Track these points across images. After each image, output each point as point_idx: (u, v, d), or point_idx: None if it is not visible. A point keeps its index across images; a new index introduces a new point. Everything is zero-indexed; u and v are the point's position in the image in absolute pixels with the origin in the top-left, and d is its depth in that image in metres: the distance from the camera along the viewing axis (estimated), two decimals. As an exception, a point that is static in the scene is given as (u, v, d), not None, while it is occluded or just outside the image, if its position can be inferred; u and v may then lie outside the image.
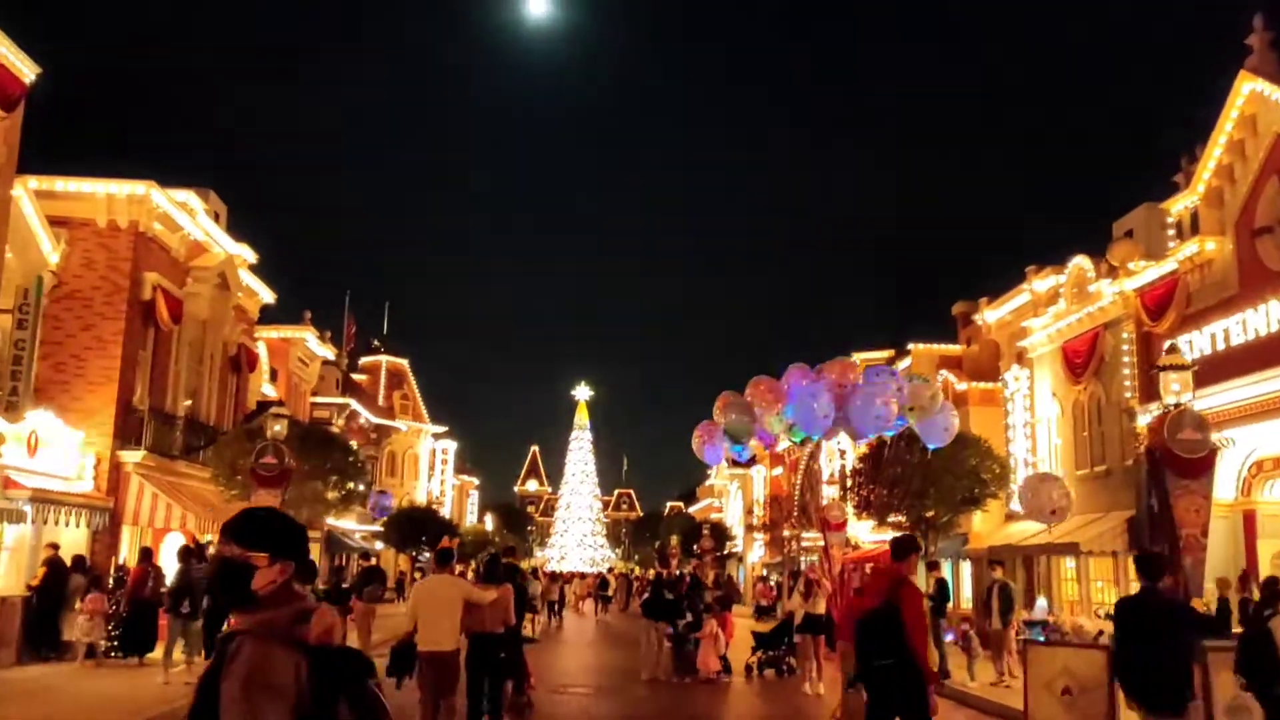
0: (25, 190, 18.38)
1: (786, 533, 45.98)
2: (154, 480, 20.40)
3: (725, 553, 64.45)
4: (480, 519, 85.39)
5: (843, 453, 40.29)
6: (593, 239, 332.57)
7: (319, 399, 38.42)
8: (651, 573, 58.70)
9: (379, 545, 45.47)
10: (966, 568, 29.89)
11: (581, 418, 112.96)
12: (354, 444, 40.63)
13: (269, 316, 33.87)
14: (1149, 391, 20.69)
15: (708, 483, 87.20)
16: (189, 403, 23.13)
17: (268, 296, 28.20)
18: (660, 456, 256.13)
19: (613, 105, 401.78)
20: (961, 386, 30.98)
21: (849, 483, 24.24)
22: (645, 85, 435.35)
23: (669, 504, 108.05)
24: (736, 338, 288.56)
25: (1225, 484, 18.26)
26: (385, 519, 42.29)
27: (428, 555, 46.95)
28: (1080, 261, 23.87)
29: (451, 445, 60.06)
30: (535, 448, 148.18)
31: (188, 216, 22.45)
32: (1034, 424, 26.09)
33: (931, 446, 14.80)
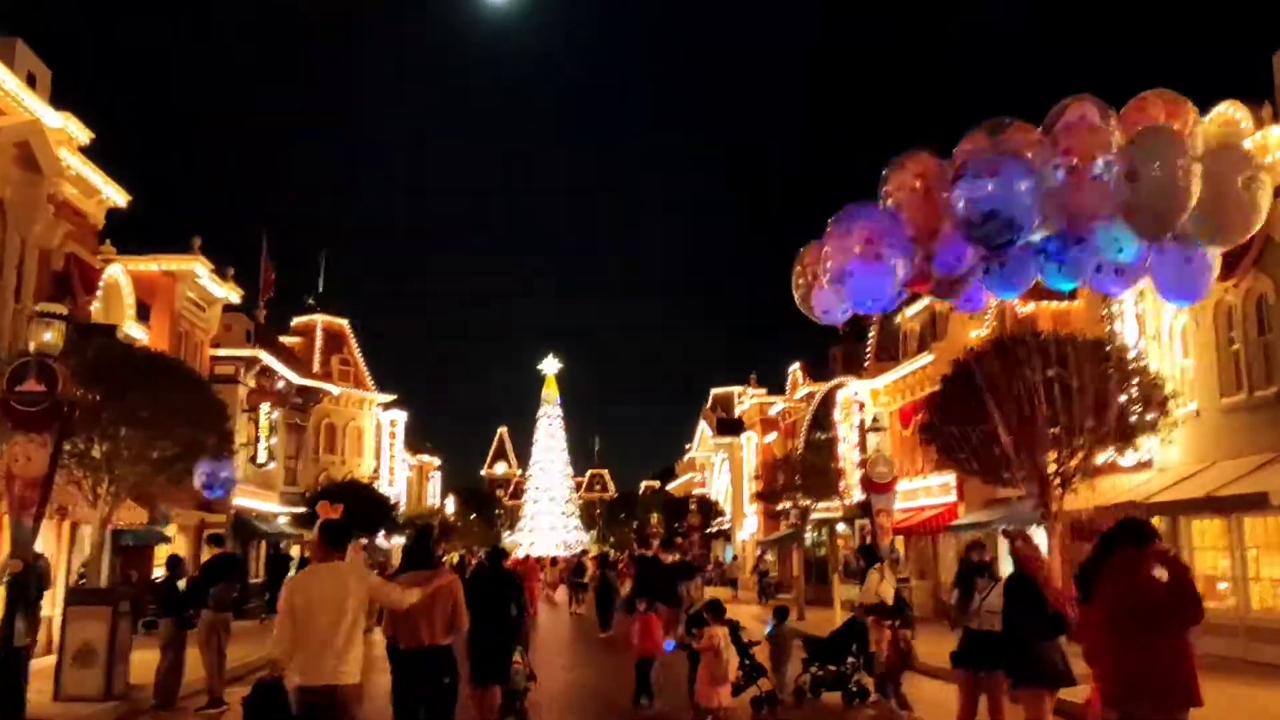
0: None
1: (783, 505, 39.41)
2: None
3: (714, 530, 57.94)
4: (442, 502, 78.61)
5: (861, 404, 33.69)
6: (560, 206, 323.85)
7: (222, 351, 31.20)
8: (622, 555, 51.86)
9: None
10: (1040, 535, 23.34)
11: (550, 392, 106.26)
12: (264, 394, 33.49)
13: (144, 244, 26.75)
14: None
15: (687, 457, 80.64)
16: None
17: (117, 198, 21.01)
18: (633, 437, 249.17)
19: (582, 62, 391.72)
20: (1026, 308, 24.47)
21: (924, 419, 17.32)
22: (615, 50, 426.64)
23: (644, 484, 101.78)
24: (714, 313, 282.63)
25: None
26: (321, 499, 35.22)
27: (366, 538, 39.97)
28: (1226, 110, 17.20)
29: (402, 416, 52.86)
30: (503, 429, 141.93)
31: (-49, 48, 15.32)
32: (1147, 341, 19.54)
33: (1179, 302, 8.11)
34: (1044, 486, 14.54)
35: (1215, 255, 7.28)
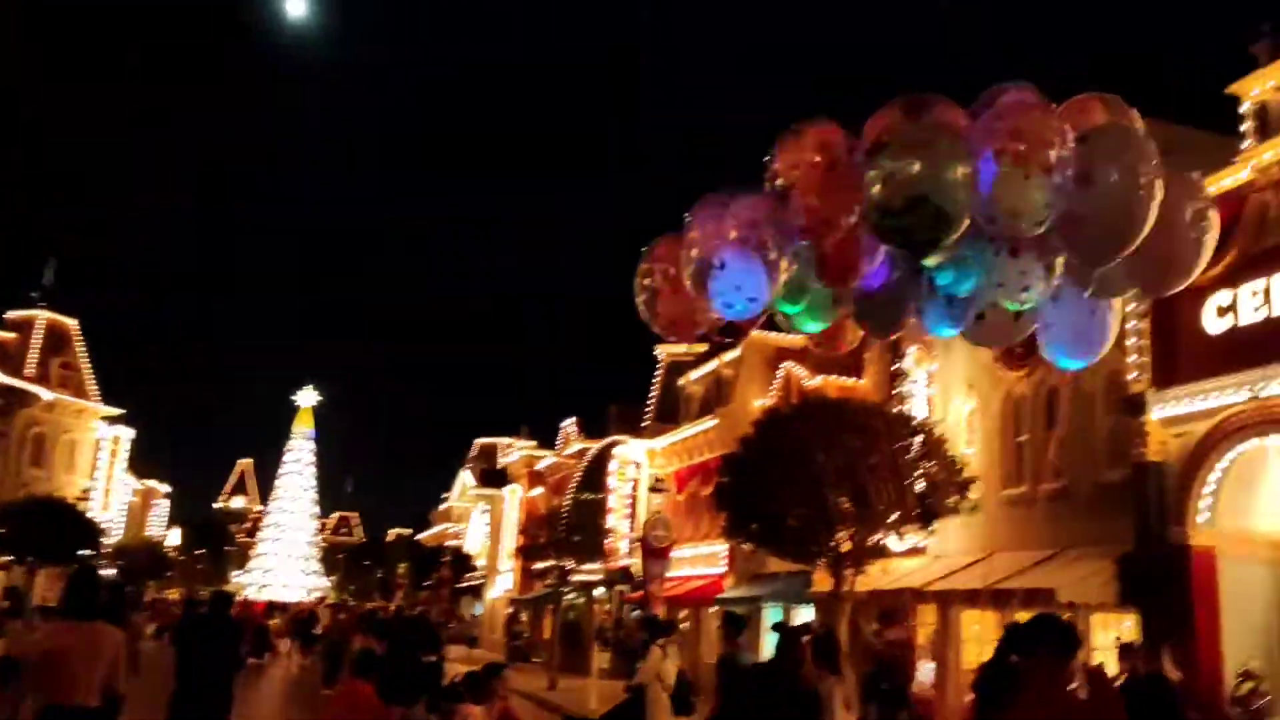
0: None
1: (543, 564, 37.68)
2: None
3: (465, 585, 55.13)
4: (166, 533, 71.83)
5: (637, 465, 32.50)
6: (320, 233, 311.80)
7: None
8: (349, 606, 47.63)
9: (7, 557, 33.15)
10: (807, 613, 22.57)
11: (303, 426, 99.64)
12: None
13: None
14: (1167, 372, 14.05)
15: (444, 506, 77.31)
16: None
17: None
18: (391, 482, 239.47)
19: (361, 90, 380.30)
20: (814, 381, 24.05)
21: (716, 485, 16.07)
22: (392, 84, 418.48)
23: (395, 531, 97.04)
24: (478, 360, 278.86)
25: None
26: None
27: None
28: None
29: (127, 433, 47.41)
30: (247, 461, 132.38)
31: None
32: (932, 425, 19.28)
33: (1067, 364, 6.95)
34: (837, 565, 13.55)
35: (1117, 309, 6.31)
